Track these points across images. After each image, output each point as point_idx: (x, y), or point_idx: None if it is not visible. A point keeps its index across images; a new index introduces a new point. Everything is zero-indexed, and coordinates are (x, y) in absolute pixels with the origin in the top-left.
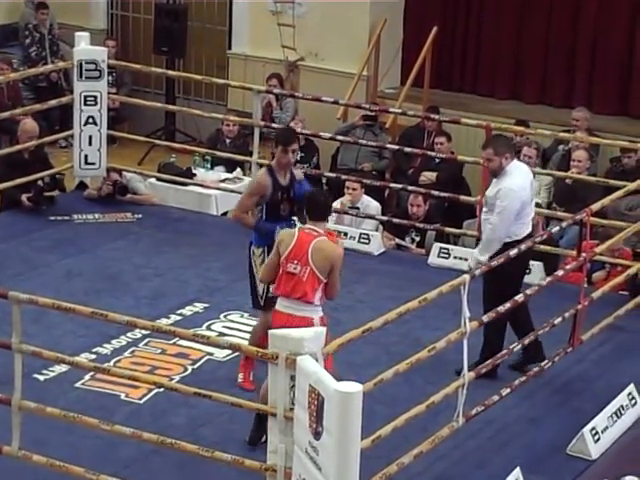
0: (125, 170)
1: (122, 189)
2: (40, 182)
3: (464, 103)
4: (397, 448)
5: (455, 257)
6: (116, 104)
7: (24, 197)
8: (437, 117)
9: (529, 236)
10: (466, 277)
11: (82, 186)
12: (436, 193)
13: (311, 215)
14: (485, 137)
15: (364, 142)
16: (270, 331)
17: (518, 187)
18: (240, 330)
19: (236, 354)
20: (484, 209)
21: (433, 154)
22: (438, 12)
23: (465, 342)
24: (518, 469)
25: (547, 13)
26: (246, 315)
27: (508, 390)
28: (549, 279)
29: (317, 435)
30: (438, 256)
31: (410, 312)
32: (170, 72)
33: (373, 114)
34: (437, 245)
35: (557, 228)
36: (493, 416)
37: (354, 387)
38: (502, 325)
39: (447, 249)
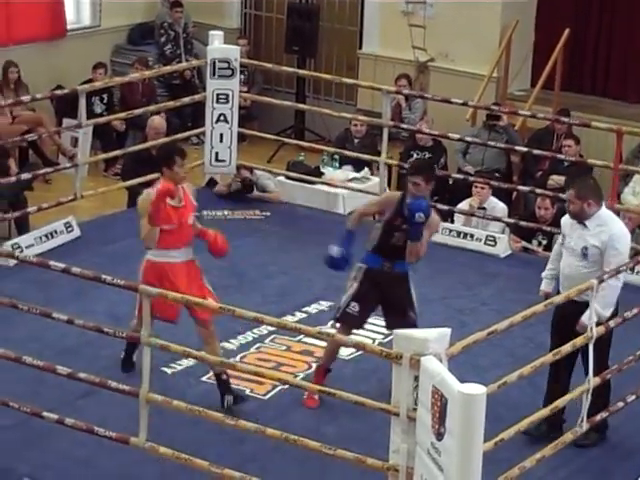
0: (255, 168)
1: (248, 187)
2: None
3: (595, 106)
4: (520, 452)
5: None
6: (247, 102)
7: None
8: (566, 120)
9: None
10: (594, 282)
11: (212, 183)
12: (564, 196)
13: None
14: (616, 141)
15: (492, 144)
16: (395, 331)
17: (627, 232)
18: (364, 329)
19: (360, 352)
20: (578, 261)
21: (562, 157)
22: (570, 14)
23: (591, 347)
24: None
25: None
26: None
27: (633, 397)
28: None
29: (439, 436)
30: None
31: (536, 316)
32: (301, 71)
33: (496, 114)
34: None
35: None
36: (617, 423)
37: (478, 389)
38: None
39: None
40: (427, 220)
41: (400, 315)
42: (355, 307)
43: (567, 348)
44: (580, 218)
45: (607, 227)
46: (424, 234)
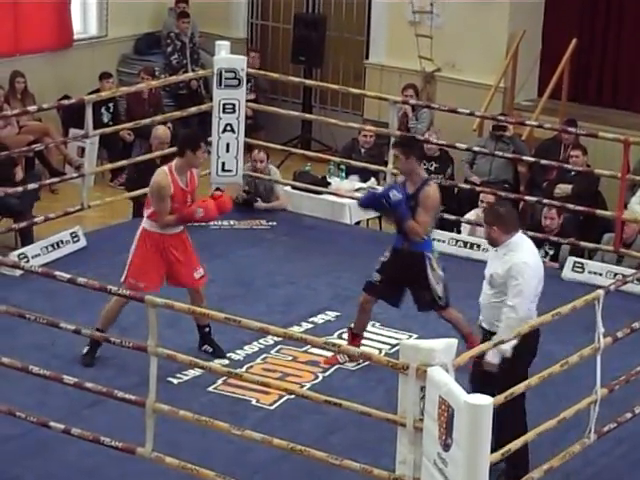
0: (261, 178)
1: (252, 199)
2: None
3: (602, 116)
4: None
5: (590, 272)
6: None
7: None
8: (574, 130)
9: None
10: (600, 292)
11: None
12: (571, 206)
13: None
14: (623, 151)
15: (499, 154)
16: (402, 342)
17: (532, 262)
18: (371, 339)
19: (366, 363)
20: (487, 289)
21: (569, 167)
22: (577, 24)
23: (598, 358)
24: None
25: None
26: (377, 325)
27: None
28: None
29: (446, 447)
30: (572, 270)
31: (543, 326)
32: (307, 81)
33: (502, 124)
34: (571, 259)
35: None
36: (625, 434)
37: (485, 400)
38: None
39: (582, 263)
40: (405, 199)
41: (417, 294)
42: (377, 277)
43: (574, 359)
44: (492, 244)
45: (511, 255)
46: (418, 211)
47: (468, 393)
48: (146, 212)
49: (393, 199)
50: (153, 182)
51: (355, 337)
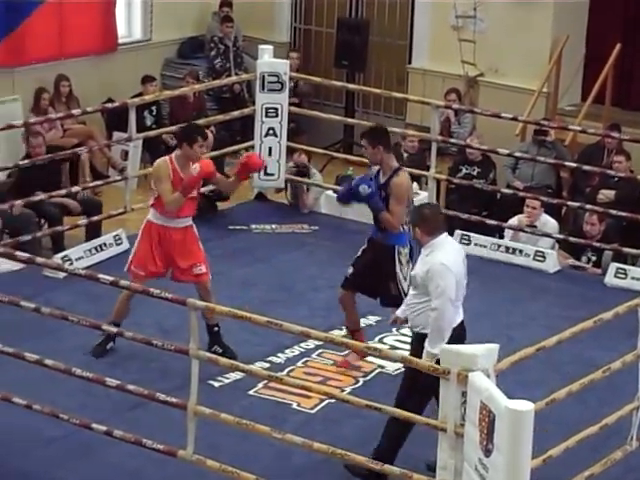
0: (302, 182)
1: (304, 171)
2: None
3: None
4: (568, 469)
5: (632, 278)
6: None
7: None
8: (617, 135)
9: (462, 324)
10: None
11: (260, 196)
12: (614, 212)
13: None
14: None
15: (542, 159)
16: (443, 347)
17: (450, 262)
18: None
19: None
20: (411, 290)
21: (612, 172)
22: (621, 29)
23: None
24: None
25: None
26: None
27: None
28: None
29: (487, 452)
30: (615, 276)
31: (584, 332)
32: (350, 85)
33: (544, 129)
34: (614, 265)
35: None
36: None
37: (526, 406)
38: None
39: (624, 269)
40: (377, 191)
41: (383, 286)
42: (350, 270)
43: (617, 365)
44: (418, 244)
45: (432, 256)
46: (390, 202)
47: (508, 398)
48: (150, 202)
49: (363, 193)
50: (153, 167)
51: (355, 333)
